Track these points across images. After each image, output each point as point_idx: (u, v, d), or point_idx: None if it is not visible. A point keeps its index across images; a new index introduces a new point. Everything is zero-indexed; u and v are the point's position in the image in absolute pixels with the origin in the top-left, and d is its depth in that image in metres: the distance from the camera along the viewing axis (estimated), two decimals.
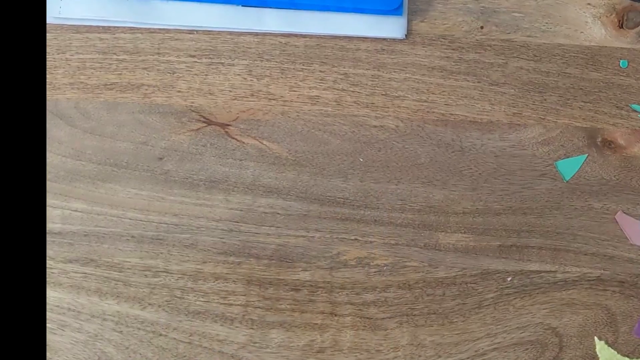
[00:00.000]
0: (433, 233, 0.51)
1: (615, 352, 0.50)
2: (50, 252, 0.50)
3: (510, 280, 0.51)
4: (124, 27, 0.52)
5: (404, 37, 0.52)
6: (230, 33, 0.53)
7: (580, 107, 0.52)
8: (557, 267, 0.51)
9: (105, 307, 0.50)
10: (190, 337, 0.50)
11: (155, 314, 0.50)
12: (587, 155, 0.51)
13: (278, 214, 0.52)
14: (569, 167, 0.51)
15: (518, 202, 0.52)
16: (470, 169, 0.52)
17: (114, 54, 0.52)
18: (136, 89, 0.52)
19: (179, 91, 0.52)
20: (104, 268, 0.50)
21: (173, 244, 0.51)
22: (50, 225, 0.50)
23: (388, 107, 0.52)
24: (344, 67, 0.53)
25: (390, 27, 0.52)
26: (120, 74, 0.52)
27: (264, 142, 0.52)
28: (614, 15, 0.52)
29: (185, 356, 0.50)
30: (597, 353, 0.50)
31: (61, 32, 0.52)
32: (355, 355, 0.50)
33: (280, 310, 0.51)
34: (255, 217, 0.52)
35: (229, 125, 0.52)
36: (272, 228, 0.51)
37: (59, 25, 0.52)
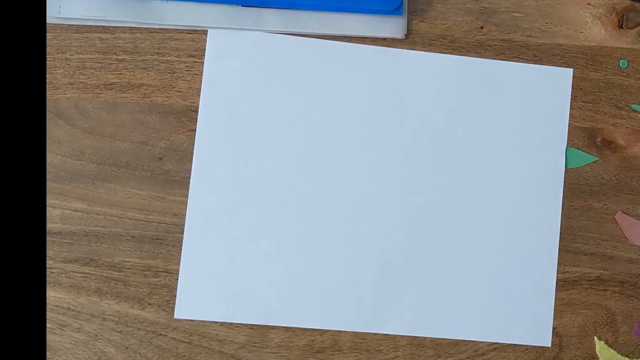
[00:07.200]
0: None
1: (615, 352, 0.50)
2: (50, 252, 0.50)
3: None
4: (124, 27, 0.52)
5: (404, 37, 0.52)
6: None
7: (580, 107, 0.52)
8: (557, 267, 0.51)
9: (105, 307, 0.50)
10: (190, 337, 0.50)
11: (155, 314, 0.50)
12: (598, 158, 0.51)
13: None
14: (577, 158, 0.51)
15: None
16: None
17: (114, 53, 0.52)
18: (136, 89, 0.52)
19: (179, 91, 0.52)
20: (104, 268, 0.50)
21: (173, 244, 0.51)
22: (50, 225, 0.50)
23: None
24: None
25: (390, 27, 0.52)
26: (120, 73, 0.52)
27: None
28: (613, 15, 0.52)
29: (185, 356, 0.50)
30: (597, 353, 0.50)
31: (61, 32, 0.52)
32: (355, 355, 0.50)
33: None
34: None
35: None
36: None
37: (59, 25, 0.52)
